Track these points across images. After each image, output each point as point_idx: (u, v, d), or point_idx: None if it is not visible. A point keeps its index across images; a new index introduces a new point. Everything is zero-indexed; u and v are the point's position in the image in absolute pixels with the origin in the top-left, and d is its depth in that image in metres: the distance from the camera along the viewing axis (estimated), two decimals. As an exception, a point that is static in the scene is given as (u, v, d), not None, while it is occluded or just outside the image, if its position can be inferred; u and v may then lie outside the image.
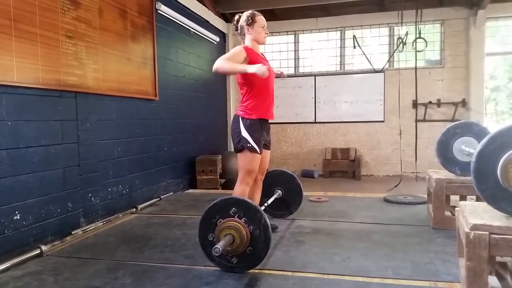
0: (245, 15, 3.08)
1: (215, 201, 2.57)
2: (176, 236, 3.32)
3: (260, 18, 3.07)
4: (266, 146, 3.14)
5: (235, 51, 2.89)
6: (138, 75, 4.54)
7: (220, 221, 2.48)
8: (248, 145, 2.91)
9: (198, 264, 2.67)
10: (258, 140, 2.95)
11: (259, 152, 2.95)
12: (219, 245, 2.28)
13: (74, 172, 3.55)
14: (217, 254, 2.28)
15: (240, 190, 2.96)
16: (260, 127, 2.99)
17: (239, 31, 3.14)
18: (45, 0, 3.19)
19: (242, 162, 2.97)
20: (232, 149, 7.79)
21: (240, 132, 2.94)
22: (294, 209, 3.81)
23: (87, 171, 3.70)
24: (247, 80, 2.95)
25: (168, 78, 5.33)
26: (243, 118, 2.96)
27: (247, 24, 3.04)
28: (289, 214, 3.80)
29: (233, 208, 2.48)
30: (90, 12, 3.73)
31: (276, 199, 3.64)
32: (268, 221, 2.46)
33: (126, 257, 2.85)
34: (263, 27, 3.07)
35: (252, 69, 2.68)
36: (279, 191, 3.70)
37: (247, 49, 2.95)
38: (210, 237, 2.51)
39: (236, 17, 3.16)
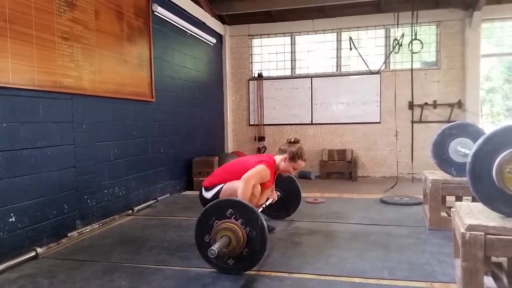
0: (297, 149, 3.24)
1: (211, 203, 2.56)
2: (172, 238, 3.32)
3: (300, 163, 3.26)
4: None
5: (262, 172, 3.02)
6: (135, 77, 4.54)
7: (217, 223, 2.48)
8: (216, 195, 3.07)
9: (195, 265, 2.66)
10: None
11: None
12: (215, 247, 2.28)
13: (70, 174, 3.53)
14: (212, 256, 2.28)
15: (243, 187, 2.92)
16: None
17: (283, 147, 3.29)
18: (40, 2, 3.18)
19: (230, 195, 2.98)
20: (229, 151, 7.80)
21: (205, 198, 3.15)
22: (292, 210, 3.81)
23: (83, 173, 3.69)
24: None
25: (164, 79, 5.32)
26: (207, 188, 3.16)
27: (290, 157, 3.22)
28: (287, 216, 3.80)
29: (230, 210, 2.48)
30: (86, 14, 3.72)
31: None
32: (264, 222, 2.46)
33: (122, 259, 2.84)
34: (295, 169, 3.27)
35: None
36: (278, 192, 3.70)
37: (271, 168, 3.12)
38: (206, 239, 2.51)
39: (293, 139, 3.36)
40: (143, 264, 2.72)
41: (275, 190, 3.71)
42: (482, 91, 7.72)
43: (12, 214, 2.92)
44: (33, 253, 2.88)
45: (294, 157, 3.21)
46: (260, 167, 3.01)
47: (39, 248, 2.94)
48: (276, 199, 3.58)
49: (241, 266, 2.50)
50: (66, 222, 3.46)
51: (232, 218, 2.46)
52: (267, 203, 3.41)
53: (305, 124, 7.91)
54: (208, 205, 2.57)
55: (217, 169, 3.46)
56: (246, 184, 2.85)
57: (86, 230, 3.58)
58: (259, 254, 2.47)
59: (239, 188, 2.85)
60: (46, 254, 2.97)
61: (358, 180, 7.34)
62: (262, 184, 3.08)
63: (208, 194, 3.11)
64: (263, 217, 2.48)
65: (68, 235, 3.38)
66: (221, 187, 3.06)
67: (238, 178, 2.97)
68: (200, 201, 3.19)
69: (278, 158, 3.25)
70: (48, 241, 3.19)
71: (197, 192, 5.56)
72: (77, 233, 3.48)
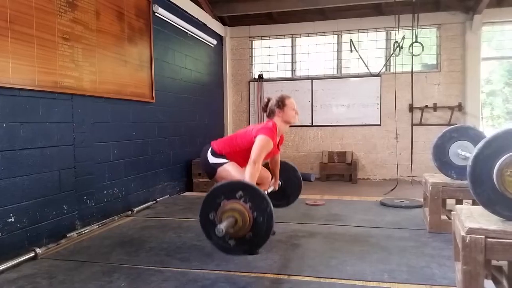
0: (275, 98, 3.20)
1: (223, 183, 2.54)
2: (171, 239, 3.31)
3: (290, 101, 3.20)
4: None
5: (265, 145, 2.95)
6: (135, 78, 4.54)
7: (225, 202, 2.44)
8: (216, 166, 3.09)
9: (194, 267, 2.66)
10: None
11: None
12: (222, 226, 2.24)
13: (70, 175, 3.53)
14: (219, 235, 2.25)
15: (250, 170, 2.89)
16: None
17: (267, 112, 3.24)
18: (42, 2, 3.18)
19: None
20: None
21: (208, 160, 3.15)
22: (292, 200, 3.75)
23: (82, 173, 3.68)
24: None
25: (165, 80, 5.32)
26: (214, 152, 3.14)
27: (277, 107, 3.16)
28: (287, 205, 3.74)
29: (240, 192, 2.44)
30: (87, 14, 3.72)
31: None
32: (273, 210, 2.42)
33: (122, 260, 2.83)
34: (293, 110, 3.20)
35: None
36: (279, 181, 3.63)
37: (273, 133, 3.04)
38: (211, 216, 2.46)
39: (265, 100, 3.30)
40: (142, 266, 2.71)
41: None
42: (482, 94, 7.73)
43: (11, 214, 2.92)
44: (32, 254, 2.87)
45: (280, 103, 3.16)
46: (261, 140, 2.94)
47: (38, 249, 2.94)
48: (277, 188, 3.54)
49: (241, 249, 2.47)
50: (65, 223, 3.45)
51: (241, 200, 2.43)
52: (269, 190, 3.38)
53: (305, 126, 7.91)
54: (220, 183, 2.54)
55: (228, 136, 3.41)
56: (254, 168, 2.82)
57: (86, 231, 3.58)
58: (262, 240, 2.44)
59: (246, 172, 2.82)
60: (45, 255, 2.96)
61: (358, 182, 7.35)
62: (269, 153, 3.07)
63: (212, 159, 3.11)
64: (272, 205, 2.44)
65: (68, 235, 3.38)
66: (224, 163, 3.06)
67: (242, 152, 3.04)
68: (201, 159, 3.20)
69: (276, 119, 3.18)
70: (47, 242, 3.19)
71: (197, 194, 5.60)
72: (76, 233, 3.48)
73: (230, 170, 3.04)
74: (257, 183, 2.90)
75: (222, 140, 3.23)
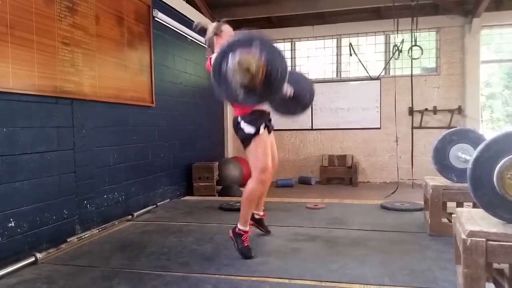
0: (211, 27, 3.15)
1: (241, 32, 2.51)
2: (172, 244, 3.30)
3: (227, 27, 3.15)
4: (267, 127, 3.06)
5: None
6: (135, 82, 4.54)
7: (241, 52, 2.38)
8: (247, 133, 2.90)
9: (194, 272, 2.65)
10: (255, 122, 2.92)
11: (257, 130, 2.90)
12: (235, 59, 2.24)
13: (70, 179, 3.53)
14: (231, 67, 2.25)
15: (251, 187, 2.90)
16: (259, 115, 2.98)
17: (207, 43, 3.19)
18: (41, 7, 3.19)
19: (252, 156, 2.94)
20: (229, 156, 7.79)
21: (240, 126, 2.97)
22: (299, 111, 3.64)
23: (83, 178, 3.68)
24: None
25: (165, 85, 5.33)
26: (243, 117, 2.97)
27: (215, 35, 3.11)
28: (292, 115, 3.72)
29: (257, 44, 2.40)
30: (87, 19, 3.73)
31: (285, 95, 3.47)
32: (287, 68, 2.37)
33: (122, 265, 2.82)
34: (230, 35, 3.09)
35: None
36: (291, 89, 3.45)
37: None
38: (223, 66, 2.43)
39: (195, 24, 3.23)
40: (142, 270, 2.71)
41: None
42: (482, 97, 7.74)
43: (11, 219, 2.91)
44: (32, 259, 2.86)
45: (216, 32, 3.10)
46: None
47: (39, 254, 2.93)
48: (292, 94, 3.41)
49: (249, 99, 2.48)
50: (65, 227, 3.45)
51: (257, 52, 2.38)
52: (287, 94, 3.31)
53: (306, 130, 7.92)
54: (236, 37, 2.51)
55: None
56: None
57: (86, 236, 3.57)
58: (269, 96, 2.43)
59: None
60: (45, 260, 2.95)
61: (358, 185, 7.35)
62: None
63: (245, 127, 2.95)
64: (287, 63, 2.40)
65: (68, 240, 3.37)
66: (256, 135, 2.92)
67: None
68: (236, 130, 3.06)
69: (216, 49, 3.03)
70: (48, 247, 3.18)
71: (197, 198, 5.59)
72: (77, 238, 3.47)
73: (259, 149, 2.90)
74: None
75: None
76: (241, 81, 2.40)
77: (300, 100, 3.53)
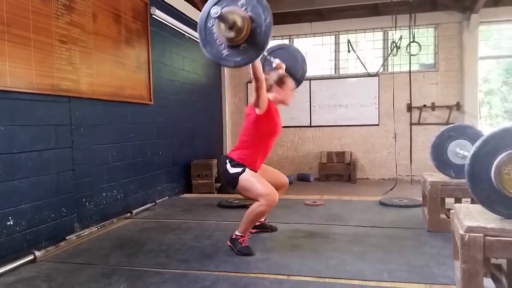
0: (276, 74, 3.11)
1: None
2: (171, 241, 3.31)
3: (289, 80, 3.12)
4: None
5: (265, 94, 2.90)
6: (133, 80, 4.53)
7: (226, 8, 2.34)
8: (237, 174, 2.89)
9: (193, 268, 2.66)
10: (242, 166, 2.93)
11: (242, 171, 2.90)
12: (219, 8, 2.19)
13: (68, 177, 3.52)
14: (215, 15, 2.19)
15: (261, 209, 2.83)
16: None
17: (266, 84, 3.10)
18: (38, 5, 3.18)
19: (247, 190, 2.90)
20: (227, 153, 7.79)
21: (226, 167, 2.97)
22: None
23: (81, 176, 3.68)
24: (257, 126, 2.96)
25: (162, 82, 5.32)
26: (231, 160, 2.97)
27: (277, 84, 3.07)
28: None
29: (243, 0, 2.36)
30: (84, 17, 3.72)
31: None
32: (272, 21, 2.34)
33: (121, 262, 2.83)
34: (291, 89, 3.13)
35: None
36: (279, 61, 3.47)
37: (269, 100, 2.98)
38: (210, 23, 2.40)
39: (272, 74, 3.14)
40: (141, 267, 2.71)
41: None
42: (480, 93, 7.75)
43: (10, 217, 2.91)
44: (31, 257, 2.87)
45: (280, 80, 3.07)
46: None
47: (37, 252, 2.93)
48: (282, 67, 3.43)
49: (232, 60, 2.43)
50: (64, 225, 3.45)
51: (242, 8, 2.36)
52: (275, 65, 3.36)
53: (304, 127, 7.92)
54: None
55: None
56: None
57: (85, 233, 3.57)
58: (255, 54, 2.39)
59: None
60: (44, 258, 2.96)
61: (357, 182, 7.35)
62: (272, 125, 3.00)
63: (231, 169, 2.95)
64: (272, 17, 2.36)
65: (67, 238, 3.37)
66: (244, 172, 2.90)
67: (253, 139, 2.98)
68: (221, 171, 3.06)
69: (270, 95, 3.04)
70: (46, 245, 3.18)
71: (196, 195, 5.60)
72: (76, 236, 3.47)
73: (251, 180, 2.89)
74: (275, 188, 2.92)
75: (235, 146, 3.11)
76: (225, 36, 2.36)
77: (291, 76, 3.43)
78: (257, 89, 2.78)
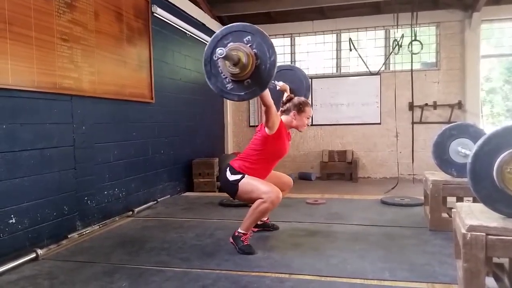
0: (298, 100, 3.15)
1: (232, 24, 2.50)
2: (172, 239, 3.31)
3: (309, 109, 3.16)
4: None
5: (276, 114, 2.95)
6: (134, 78, 4.54)
7: (232, 44, 2.40)
8: (236, 181, 2.93)
9: (195, 267, 2.66)
10: (241, 174, 2.97)
11: (241, 178, 2.93)
12: (224, 49, 2.21)
13: (70, 176, 3.53)
14: (220, 56, 2.22)
15: (265, 206, 2.84)
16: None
17: (285, 108, 3.17)
18: (40, 3, 3.18)
19: (247, 193, 2.93)
20: (229, 152, 7.80)
21: (225, 174, 3.01)
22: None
23: (83, 174, 3.69)
24: (264, 144, 3.00)
25: (164, 81, 5.32)
26: (232, 169, 3.00)
27: (295, 110, 3.11)
28: None
29: (249, 37, 2.41)
30: (85, 15, 3.72)
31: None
32: (276, 60, 2.38)
33: (123, 261, 2.83)
34: (308, 118, 3.18)
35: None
36: (283, 83, 3.57)
37: (281, 121, 3.04)
38: (215, 56, 2.43)
39: (289, 96, 3.24)
40: (143, 266, 2.71)
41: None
42: (482, 91, 7.73)
43: (12, 216, 2.92)
44: (33, 255, 2.87)
45: (300, 107, 3.11)
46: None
47: (40, 250, 2.93)
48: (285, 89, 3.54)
49: (236, 94, 2.47)
50: (66, 224, 3.45)
51: (248, 45, 2.39)
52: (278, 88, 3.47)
53: (305, 125, 7.90)
54: (229, 26, 2.49)
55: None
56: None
57: (86, 232, 3.58)
58: (259, 89, 2.43)
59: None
60: (46, 256, 2.96)
61: (358, 181, 7.35)
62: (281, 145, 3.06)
63: (231, 177, 2.98)
64: (277, 55, 2.41)
65: (68, 236, 3.38)
66: (243, 178, 2.94)
67: (259, 156, 3.01)
68: (222, 179, 3.10)
69: (285, 118, 3.13)
70: (48, 243, 3.19)
71: (197, 194, 5.60)
72: (77, 234, 3.48)
73: (252, 182, 2.91)
74: (280, 189, 2.93)
75: (239, 156, 3.15)
76: (230, 72, 2.39)
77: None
78: (266, 113, 2.85)
